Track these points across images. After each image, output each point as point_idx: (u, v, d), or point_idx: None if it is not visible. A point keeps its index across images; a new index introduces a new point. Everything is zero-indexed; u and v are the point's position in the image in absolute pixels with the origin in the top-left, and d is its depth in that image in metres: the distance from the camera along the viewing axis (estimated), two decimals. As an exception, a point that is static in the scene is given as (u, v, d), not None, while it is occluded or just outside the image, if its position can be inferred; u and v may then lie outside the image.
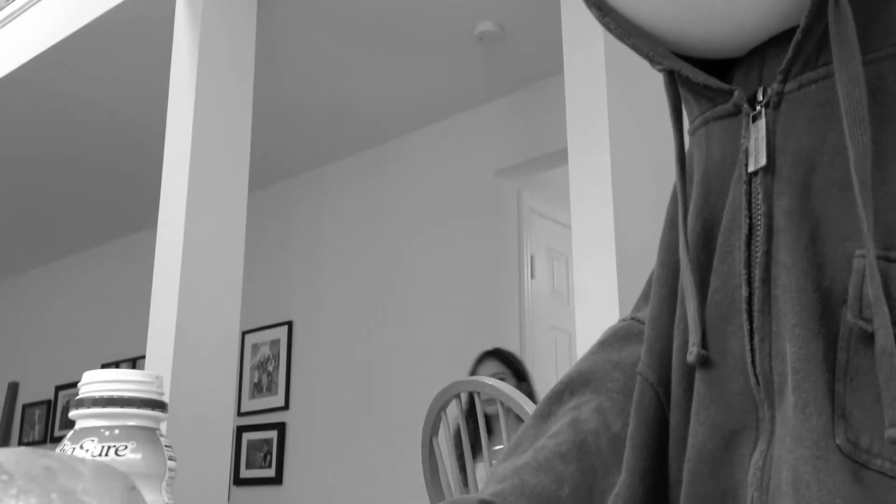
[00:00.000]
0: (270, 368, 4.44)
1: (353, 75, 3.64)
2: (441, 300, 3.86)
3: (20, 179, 4.59)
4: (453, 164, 3.99)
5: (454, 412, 2.09)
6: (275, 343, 4.45)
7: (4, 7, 3.59)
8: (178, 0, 2.85)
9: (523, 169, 3.82)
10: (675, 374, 0.55)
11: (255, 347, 4.53)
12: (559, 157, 3.40)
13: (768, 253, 0.48)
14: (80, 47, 3.35)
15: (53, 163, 4.39)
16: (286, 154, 4.36)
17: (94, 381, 0.53)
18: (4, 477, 0.25)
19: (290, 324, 4.43)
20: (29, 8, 3.47)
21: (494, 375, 2.59)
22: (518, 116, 3.80)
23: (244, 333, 4.51)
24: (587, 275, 2.40)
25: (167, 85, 2.90)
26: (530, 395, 2.67)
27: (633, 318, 0.68)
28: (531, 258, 3.87)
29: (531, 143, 3.73)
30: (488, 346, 2.91)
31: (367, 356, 4.05)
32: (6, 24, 3.58)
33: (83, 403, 0.54)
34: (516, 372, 2.80)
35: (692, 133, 0.58)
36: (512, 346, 3.67)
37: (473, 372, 2.79)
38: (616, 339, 0.67)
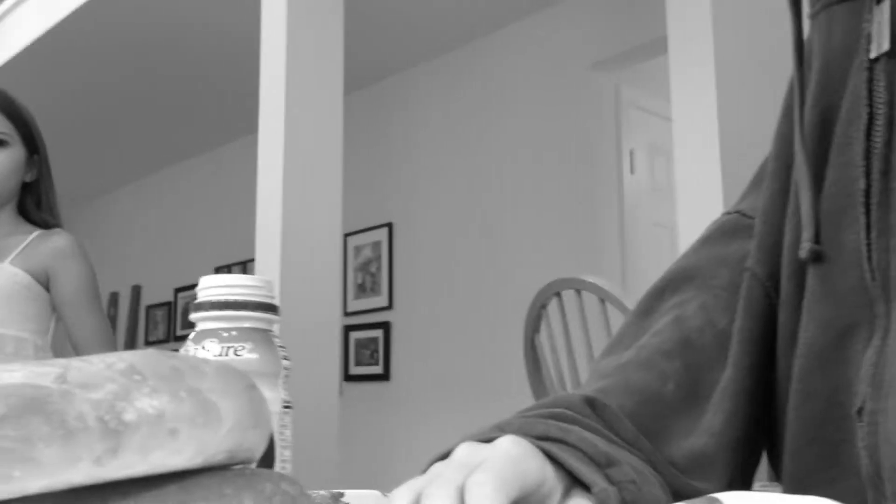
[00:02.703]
0: (373, 270, 4.55)
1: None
2: (539, 198, 3.83)
3: (131, 89, 4.74)
4: (547, 59, 3.89)
5: (555, 309, 2.11)
6: (376, 245, 4.55)
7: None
8: None
9: (621, 61, 3.69)
10: (787, 270, 0.54)
11: (357, 249, 4.64)
12: (658, 46, 3.26)
13: (889, 144, 0.46)
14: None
15: (161, 74, 4.51)
16: (380, 55, 4.34)
17: (211, 286, 0.56)
18: (137, 377, 0.27)
19: (390, 225, 4.50)
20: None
21: None
22: (612, 5, 3.66)
23: (346, 236, 4.61)
24: (689, 168, 2.33)
25: (260, -9, 2.91)
26: None
27: (737, 212, 0.66)
28: (631, 153, 3.79)
29: (628, 32, 3.59)
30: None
31: (466, 255, 4.09)
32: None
33: (202, 307, 0.56)
34: None
35: (813, 17, 0.54)
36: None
37: None
38: (721, 234, 0.65)
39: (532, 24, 3.96)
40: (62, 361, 0.27)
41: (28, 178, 1.77)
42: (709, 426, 0.55)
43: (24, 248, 1.74)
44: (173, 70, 4.47)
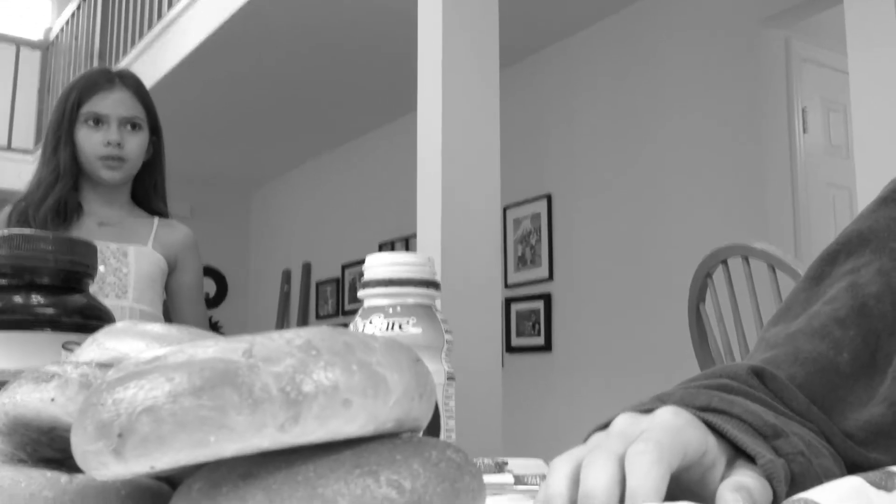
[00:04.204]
0: (533, 242, 4.55)
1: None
2: (704, 163, 3.70)
3: (296, 74, 4.95)
4: (712, 16, 3.73)
5: (721, 278, 2.04)
6: (535, 217, 4.55)
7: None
8: None
9: (792, 14, 3.49)
10: None
11: (517, 222, 4.65)
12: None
13: None
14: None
15: (321, 60, 4.68)
16: (535, 26, 4.31)
17: (377, 265, 0.59)
18: (314, 352, 0.29)
19: (548, 197, 4.48)
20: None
21: None
22: (783, -45, 3.45)
23: (505, 209, 4.64)
24: (869, 125, 2.18)
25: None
26: None
27: None
28: (803, 111, 3.58)
29: (799, -17, 3.38)
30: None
31: (627, 225, 4.02)
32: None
33: (368, 284, 0.60)
34: None
35: None
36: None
37: None
38: None
39: (692, -18, 3.81)
40: (248, 338, 0.30)
41: (146, 157, 1.86)
42: (888, 394, 0.53)
43: (155, 234, 1.85)
44: (333, 55, 4.62)
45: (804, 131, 3.57)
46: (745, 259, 1.92)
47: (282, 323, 6.64)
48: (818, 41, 3.66)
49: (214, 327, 6.64)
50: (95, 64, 5.83)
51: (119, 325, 0.42)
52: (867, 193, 2.12)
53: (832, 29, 3.33)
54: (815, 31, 3.63)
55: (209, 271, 6.88)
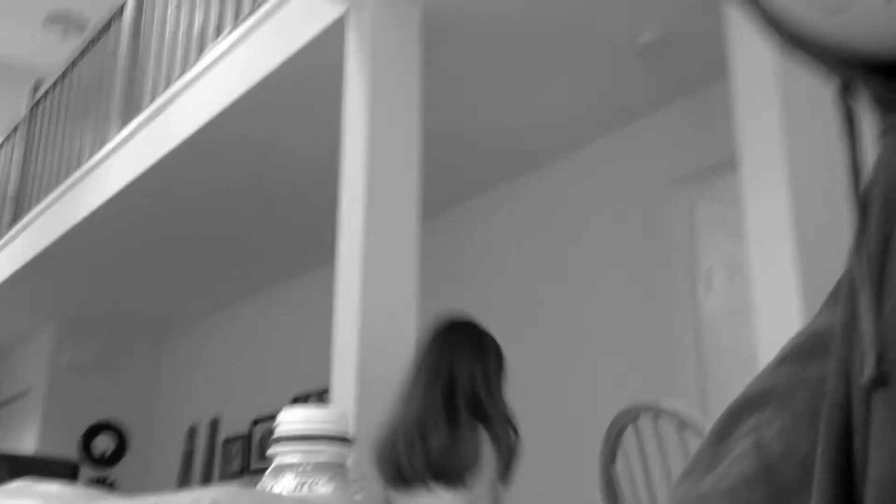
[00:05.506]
0: (449, 395, 4.51)
1: (513, 97, 3.69)
2: (613, 319, 3.80)
3: (213, 222, 4.94)
4: (621, 180, 3.93)
5: (632, 437, 2.05)
6: (452, 370, 4.52)
7: (193, 67, 3.91)
8: (348, 43, 2.99)
9: (695, 179, 3.71)
10: (858, 395, 0.53)
11: (434, 375, 4.62)
12: (734, 164, 3.28)
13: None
14: (259, 99, 3.59)
15: (243, 206, 4.71)
16: (452, 182, 4.46)
17: (290, 420, 0.58)
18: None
19: (465, 351, 4.49)
20: (214, 66, 3.76)
21: None
22: (685, 125, 3.71)
23: (422, 362, 4.61)
24: (767, 287, 2.29)
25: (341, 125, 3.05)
26: None
27: (814, 330, 0.65)
28: (707, 271, 3.74)
29: (702, 151, 3.62)
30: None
31: (540, 381, 4.04)
32: (194, 84, 3.89)
33: (280, 440, 0.58)
34: None
35: (879, 139, 0.55)
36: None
37: None
38: (798, 353, 0.64)
39: (604, 145, 4.03)
40: (152, 498, 0.29)
41: None
42: None
43: None
44: (252, 203, 4.65)
45: (709, 292, 3.72)
46: (655, 418, 1.94)
47: (183, 482, 6.30)
48: (722, 205, 3.88)
49: (110, 486, 6.25)
50: (9, 208, 5.73)
51: (14, 484, 0.40)
52: (768, 352, 2.20)
53: (735, 193, 3.55)
54: (718, 195, 3.85)
55: (108, 427, 6.56)
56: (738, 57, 2.54)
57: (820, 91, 2.34)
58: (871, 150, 0.56)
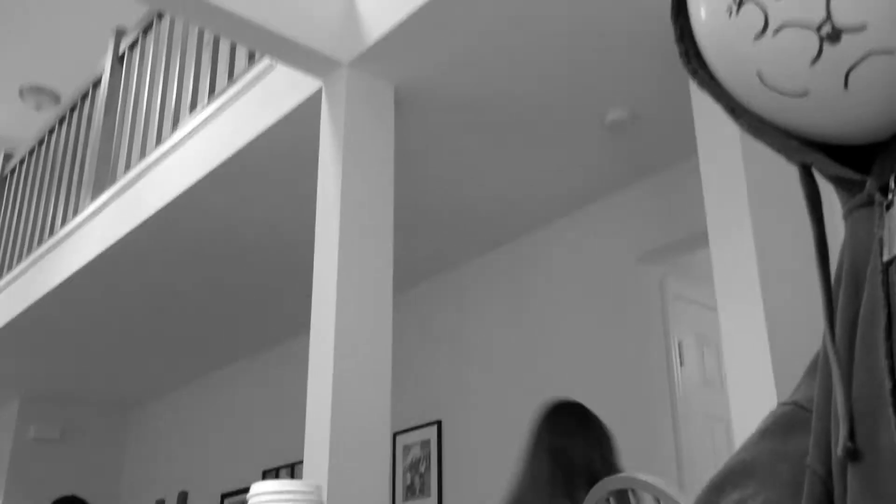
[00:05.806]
0: (422, 469, 4.45)
1: (485, 172, 3.74)
2: (588, 392, 3.78)
3: (182, 294, 4.89)
4: (592, 254, 3.97)
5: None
6: (425, 443, 4.48)
7: (165, 142, 3.93)
8: (323, 117, 3.03)
9: (665, 254, 3.76)
10: (835, 468, 0.53)
11: (407, 449, 4.57)
12: (702, 239, 3.33)
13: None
14: (233, 172, 3.60)
15: (213, 278, 4.68)
16: (423, 256, 4.48)
17: (262, 492, 0.57)
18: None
19: (439, 423, 4.45)
20: (189, 139, 3.79)
21: None
22: (655, 201, 3.77)
23: (395, 435, 4.56)
24: (739, 360, 2.31)
25: (315, 198, 3.07)
26: None
27: (794, 403, 0.65)
28: (679, 345, 3.76)
29: (671, 227, 3.67)
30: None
31: (516, 451, 3.99)
32: (168, 156, 3.91)
33: (252, 514, 0.57)
34: None
35: (844, 219, 0.57)
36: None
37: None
38: (779, 427, 0.65)
39: (574, 220, 4.08)
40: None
41: None
42: None
43: None
44: (221, 276, 4.63)
45: (681, 364, 3.73)
46: (633, 491, 1.93)
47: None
48: (691, 279, 3.93)
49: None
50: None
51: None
52: (742, 424, 2.21)
53: (704, 268, 3.59)
54: (687, 269, 3.90)
55: (73, 501, 6.35)
56: (704, 134, 2.61)
57: (786, 168, 2.41)
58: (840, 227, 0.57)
